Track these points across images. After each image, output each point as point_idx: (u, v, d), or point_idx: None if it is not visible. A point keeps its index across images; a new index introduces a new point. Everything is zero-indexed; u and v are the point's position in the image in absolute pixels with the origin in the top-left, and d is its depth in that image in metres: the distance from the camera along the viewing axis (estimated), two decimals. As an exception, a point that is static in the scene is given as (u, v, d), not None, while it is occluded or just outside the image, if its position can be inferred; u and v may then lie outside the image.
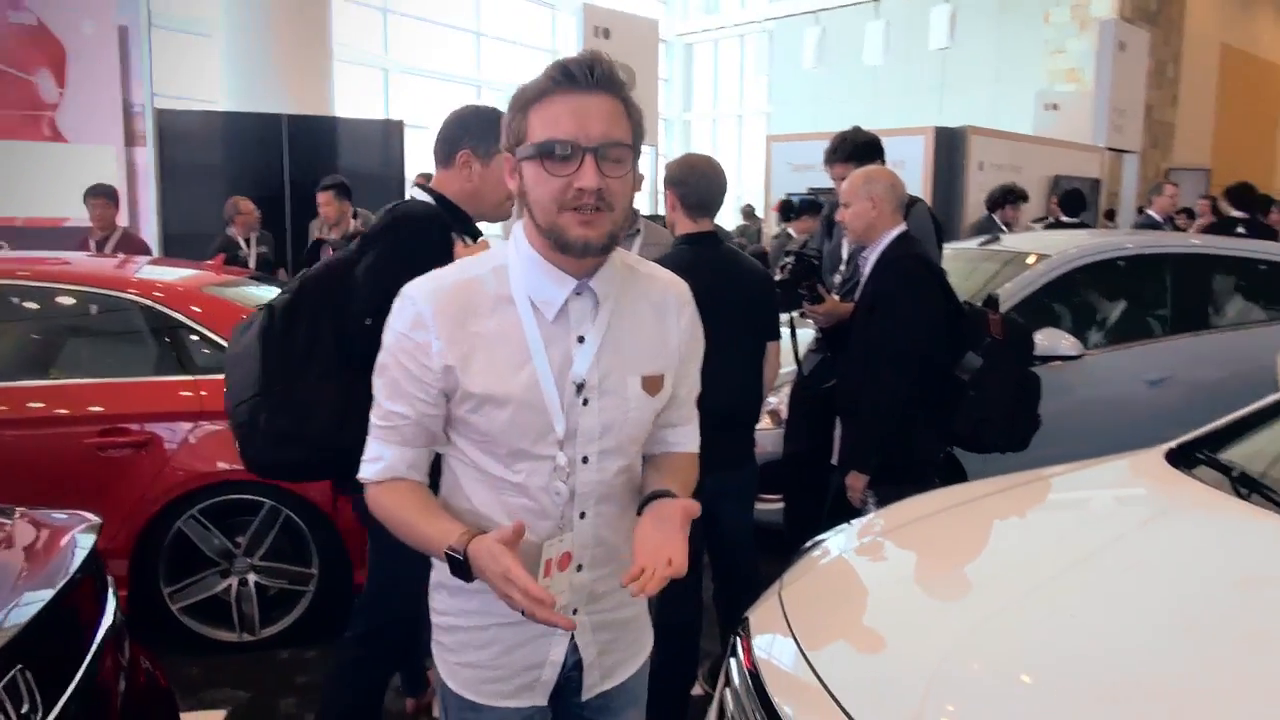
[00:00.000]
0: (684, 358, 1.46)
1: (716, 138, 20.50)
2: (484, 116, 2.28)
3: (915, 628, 1.70)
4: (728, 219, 12.20)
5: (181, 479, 3.36)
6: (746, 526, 2.93)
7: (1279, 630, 1.52)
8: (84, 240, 6.21)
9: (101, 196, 6.19)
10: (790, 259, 3.43)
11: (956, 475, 3.90)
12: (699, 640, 2.88)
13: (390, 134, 8.82)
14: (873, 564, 2.13)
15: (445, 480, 1.45)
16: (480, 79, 16.03)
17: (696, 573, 2.88)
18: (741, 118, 20.11)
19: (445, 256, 2.25)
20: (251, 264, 6.27)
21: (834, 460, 3.23)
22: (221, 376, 3.43)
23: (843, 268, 3.75)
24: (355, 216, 6.29)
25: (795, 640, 1.74)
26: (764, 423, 3.65)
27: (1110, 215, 11.39)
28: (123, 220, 6.90)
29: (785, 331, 3.25)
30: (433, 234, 2.16)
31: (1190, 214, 9.37)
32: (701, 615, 2.86)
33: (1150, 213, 7.47)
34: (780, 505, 3.83)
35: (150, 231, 7.64)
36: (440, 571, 1.44)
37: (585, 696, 1.48)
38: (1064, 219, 7.56)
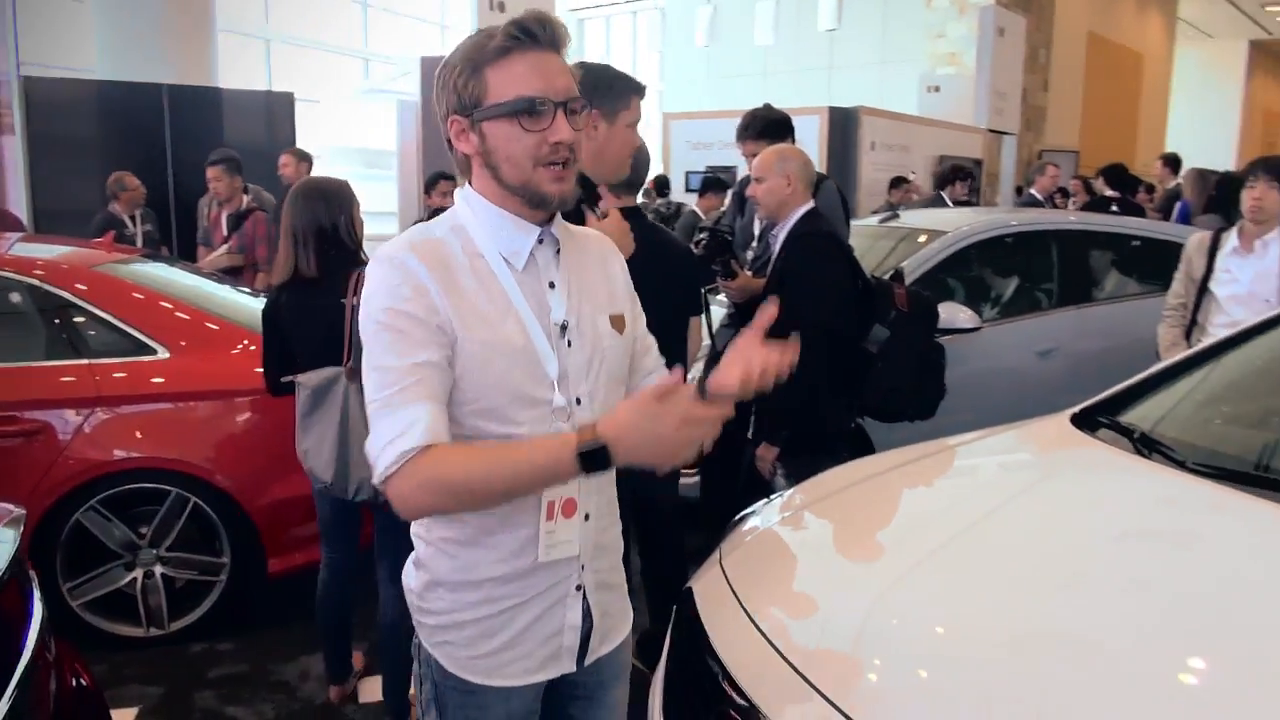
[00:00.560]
0: (633, 300, 1.53)
1: (609, 115, 20.42)
2: (605, 75, 2.32)
3: (843, 589, 1.82)
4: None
5: (78, 468, 3.20)
6: (674, 502, 2.98)
7: (1160, 575, 1.66)
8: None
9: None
10: (704, 235, 3.47)
11: (864, 446, 4.05)
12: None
13: (279, 106, 8.46)
14: (806, 533, 2.20)
15: None
16: (368, 51, 15.56)
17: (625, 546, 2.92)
18: (634, 95, 20.07)
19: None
20: (138, 242, 5.96)
21: (749, 434, 3.30)
22: (118, 360, 3.34)
23: (755, 244, 3.83)
24: (246, 192, 6.06)
25: (742, 606, 1.79)
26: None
27: (1019, 191, 11.80)
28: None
29: (701, 306, 3.30)
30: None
31: (1065, 193, 9.87)
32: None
33: (1032, 192, 7.85)
34: (696, 479, 3.89)
35: (19, 208, 7.17)
36: (432, 571, 1.40)
37: (588, 662, 1.48)
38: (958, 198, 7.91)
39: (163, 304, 3.54)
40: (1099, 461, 2.19)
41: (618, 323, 1.44)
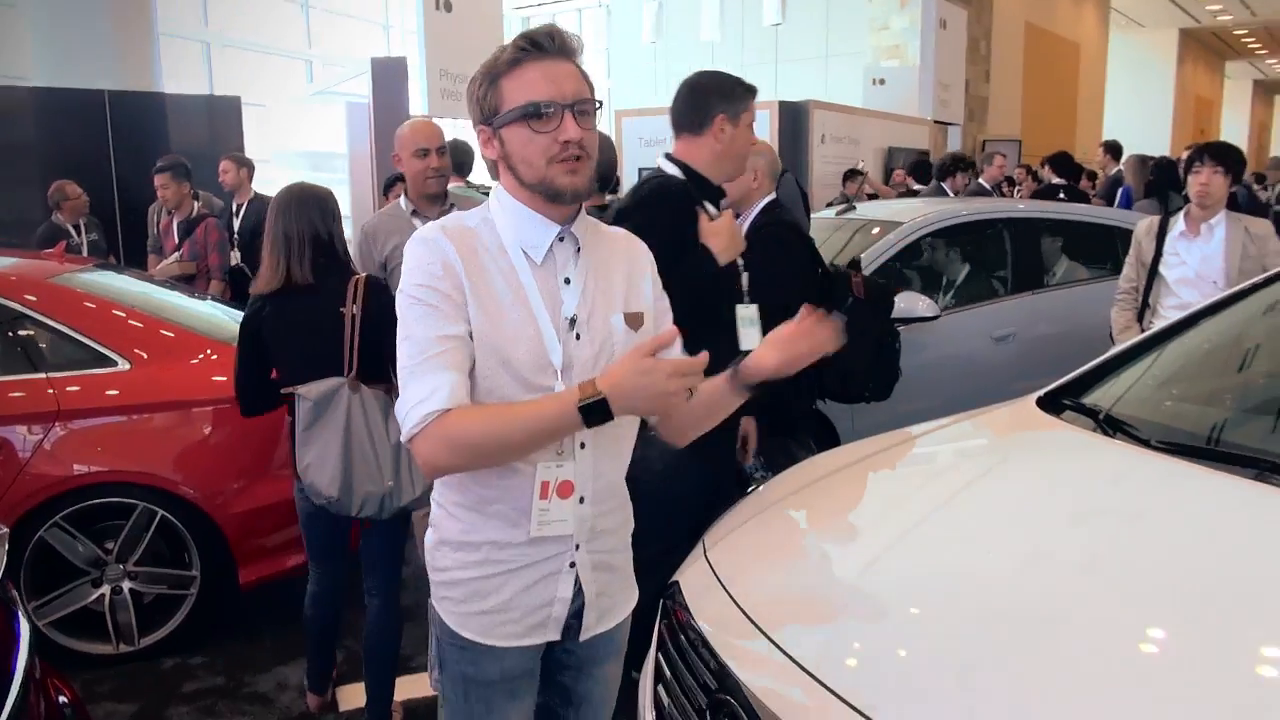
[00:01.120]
0: (659, 298, 1.60)
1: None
2: (727, 81, 2.44)
3: (826, 573, 1.90)
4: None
5: (40, 485, 3.13)
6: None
7: (1129, 546, 1.72)
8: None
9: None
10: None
11: (826, 430, 4.12)
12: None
13: (224, 111, 8.32)
14: (787, 522, 2.24)
15: None
16: (310, 53, 15.34)
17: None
18: (582, 93, 20.04)
19: (690, 228, 2.35)
20: (84, 251, 5.83)
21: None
22: (78, 373, 3.27)
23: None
24: (196, 198, 5.94)
25: (729, 595, 1.82)
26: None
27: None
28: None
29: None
30: (681, 205, 2.32)
31: (1011, 182, 10.07)
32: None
33: (981, 181, 8.00)
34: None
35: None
36: (441, 532, 1.52)
37: (583, 637, 1.56)
38: (914, 186, 8.03)
39: (120, 315, 3.48)
40: (1066, 442, 2.26)
41: (634, 320, 1.51)
